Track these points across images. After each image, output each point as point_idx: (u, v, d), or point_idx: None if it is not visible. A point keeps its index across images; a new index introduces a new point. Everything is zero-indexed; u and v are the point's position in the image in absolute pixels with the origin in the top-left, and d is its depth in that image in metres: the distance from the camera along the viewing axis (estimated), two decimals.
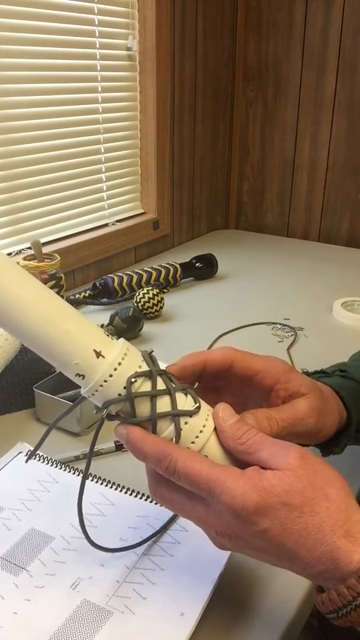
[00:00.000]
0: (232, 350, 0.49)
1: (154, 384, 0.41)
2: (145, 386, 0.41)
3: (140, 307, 1.05)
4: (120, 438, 0.42)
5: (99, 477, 0.61)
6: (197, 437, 0.41)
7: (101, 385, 0.40)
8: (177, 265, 1.23)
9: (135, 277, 1.16)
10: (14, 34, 1.03)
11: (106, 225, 1.35)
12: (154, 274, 1.19)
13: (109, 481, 0.61)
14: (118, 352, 0.40)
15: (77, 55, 1.17)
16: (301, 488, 0.38)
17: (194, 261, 1.29)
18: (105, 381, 0.40)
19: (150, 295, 1.05)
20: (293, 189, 1.69)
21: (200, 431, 0.42)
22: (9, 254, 1.11)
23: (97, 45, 1.21)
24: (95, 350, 0.40)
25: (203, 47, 1.50)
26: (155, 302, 1.05)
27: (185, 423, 0.41)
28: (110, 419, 0.42)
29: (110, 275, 1.16)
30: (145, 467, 0.43)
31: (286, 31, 1.56)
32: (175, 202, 1.54)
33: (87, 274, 1.28)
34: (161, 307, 1.07)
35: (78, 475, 0.62)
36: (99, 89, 1.24)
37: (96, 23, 1.19)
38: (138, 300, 1.06)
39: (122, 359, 0.40)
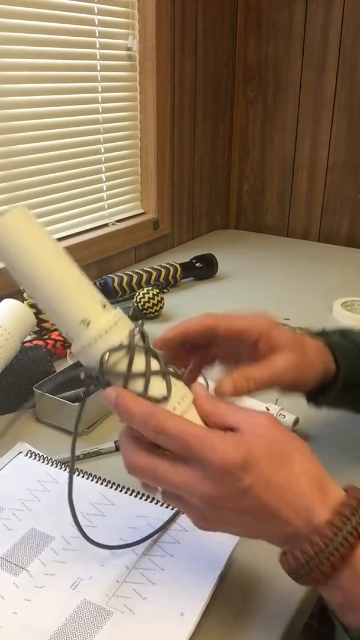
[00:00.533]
0: (211, 318, 0.52)
1: (130, 364, 0.42)
2: (124, 362, 0.42)
3: (140, 307, 1.05)
4: (108, 400, 0.42)
5: (99, 477, 0.61)
6: (181, 399, 0.43)
7: (106, 332, 0.42)
8: (177, 265, 1.23)
9: (135, 277, 1.16)
10: (14, 34, 1.03)
11: (106, 225, 1.35)
12: (154, 274, 1.19)
13: (109, 481, 0.61)
14: (104, 324, 0.42)
15: (77, 55, 1.17)
16: (277, 441, 0.41)
17: (194, 261, 1.29)
18: (110, 328, 0.42)
19: (150, 295, 1.05)
20: (293, 189, 1.69)
21: (183, 396, 0.43)
22: None
23: (97, 45, 1.21)
24: (83, 319, 0.42)
25: (203, 47, 1.50)
26: (155, 302, 1.05)
27: (173, 384, 0.43)
28: (89, 381, 0.43)
29: (110, 275, 1.16)
30: (123, 437, 0.43)
31: (286, 31, 1.56)
32: (175, 202, 1.54)
33: (87, 274, 1.27)
34: (161, 307, 1.07)
35: (78, 475, 0.62)
36: (99, 89, 1.24)
37: (96, 23, 1.19)
38: (138, 300, 1.06)
39: (106, 331, 0.42)
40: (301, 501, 0.39)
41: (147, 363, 0.42)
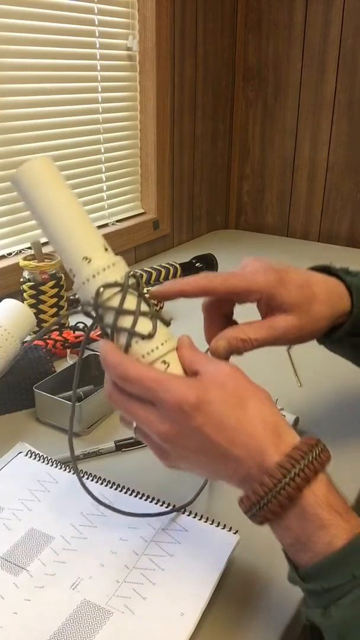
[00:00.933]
0: (207, 280, 0.51)
1: (122, 300, 0.46)
2: (116, 299, 0.46)
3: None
4: (100, 348, 0.46)
5: (99, 477, 0.61)
6: (163, 343, 0.47)
7: (82, 284, 0.46)
8: (177, 265, 1.23)
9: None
10: (14, 34, 1.03)
11: (106, 225, 1.35)
12: (154, 274, 1.19)
13: (109, 481, 0.61)
14: (103, 263, 0.47)
15: (77, 55, 1.17)
16: (235, 386, 0.43)
17: (194, 261, 1.29)
18: (108, 267, 0.46)
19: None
20: (293, 189, 1.69)
21: (166, 340, 0.47)
22: (9, 254, 1.11)
23: (97, 45, 1.21)
24: (85, 256, 0.46)
25: (203, 47, 1.50)
26: (156, 302, 1.05)
27: (136, 342, 0.46)
28: (86, 315, 0.48)
29: None
30: (105, 377, 0.47)
31: (286, 31, 1.56)
32: (175, 202, 1.54)
33: None
34: (161, 307, 1.07)
35: None
36: (99, 89, 1.24)
37: (96, 23, 1.19)
38: None
39: (104, 269, 0.46)
40: (254, 442, 0.41)
41: (138, 304, 0.46)
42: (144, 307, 0.47)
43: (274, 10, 1.56)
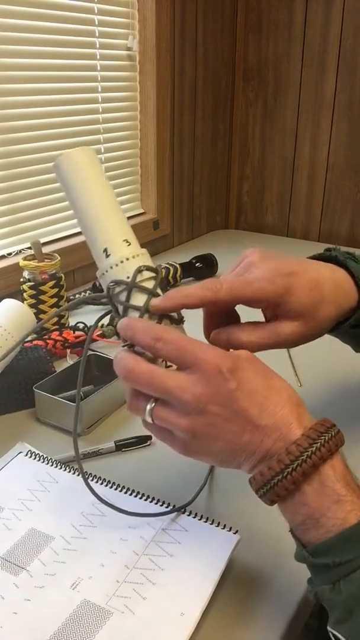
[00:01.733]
0: (213, 292, 0.49)
1: (156, 284, 0.49)
2: (148, 284, 0.49)
3: None
4: (120, 325, 0.47)
5: (99, 477, 0.61)
6: None
7: (117, 264, 0.49)
8: (177, 265, 1.23)
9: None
10: (14, 34, 1.03)
11: None
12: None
13: (109, 481, 0.61)
14: (139, 249, 0.50)
15: (77, 55, 1.17)
16: (261, 364, 0.45)
17: (194, 261, 1.29)
18: (122, 262, 0.49)
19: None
20: (293, 189, 1.69)
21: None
22: (9, 254, 1.11)
23: (97, 45, 1.21)
24: (126, 240, 0.50)
25: (203, 47, 1.50)
26: None
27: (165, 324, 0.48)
28: (109, 298, 0.49)
29: None
30: (122, 353, 0.46)
31: (286, 31, 1.56)
32: (175, 202, 1.54)
33: (87, 274, 1.28)
34: None
35: (78, 475, 0.62)
36: (99, 89, 1.24)
37: (96, 23, 1.19)
38: None
39: (142, 254, 0.50)
40: (281, 412, 0.43)
41: (147, 300, 0.48)
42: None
43: (274, 10, 1.56)
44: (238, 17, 1.61)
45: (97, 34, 1.20)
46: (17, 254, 1.12)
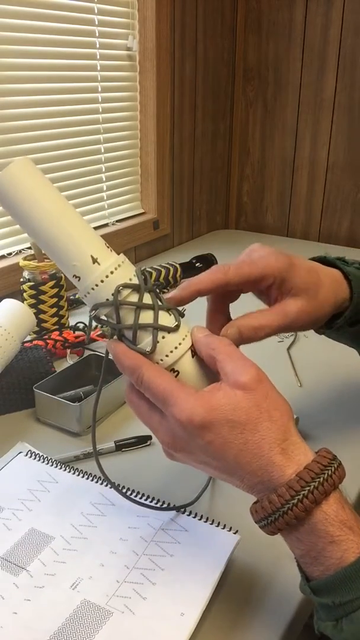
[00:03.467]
0: (222, 273, 0.51)
1: (141, 297, 0.45)
2: (133, 298, 0.45)
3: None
4: (110, 351, 0.47)
5: (99, 477, 0.61)
6: (171, 351, 0.46)
7: (93, 289, 0.45)
8: (177, 265, 1.23)
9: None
10: (14, 34, 1.03)
11: (106, 225, 1.35)
12: (154, 274, 1.19)
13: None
14: (113, 262, 0.45)
15: (77, 55, 1.17)
16: (247, 408, 0.42)
17: (194, 261, 1.29)
18: (96, 285, 0.45)
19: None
20: (293, 189, 1.69)
21: (175, 347, 0.46)
22: (9, 254, 1.11)
23: (97, 45, 1.21)
24: (92, 256, 0.45)
25: (203, 47, 1.50)
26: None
27: (163, 337, 0.45)
28: (97, 322, 0.46)
29: None
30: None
31: (286, 31, 1.56)
32: (175, 202, 1.54)
33: None
34: None
35: (78, 475, 0.62)
36: (99, 89, 1.24)
37: (96, 23, 1.19)
38: None
39: (115, 269, 0.45)
40: (259, 462, 0.41)
41: (154, 299, 0.46)
42: (161, 303, 0.47)
43: (274, 10, 1.56)
44: (238, 17, 1.61)
45: (97, 34, 1.20)
46: (17, 254, 1.12)
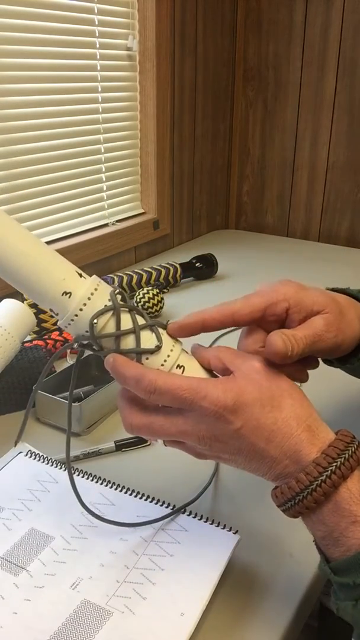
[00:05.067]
0: (229, 309, 0.48)
1: (118, 323, 0.44)
2: (112, 322, 0.44)
3: (140, 307, 1.05)
4: (107, 365, 0.45)
5: (99, 477, 0.61)
6: (172, 348, 0.46)
7: (70, 323, 0.44)
8: (177, 265, 1.23)
9: (135, 277, 1.16)
10: (14, 34, 1.03)
11: (106, 225, 1.35)
12: (154, 274, 1.19)
13: (109, 481, 0.61)
14: (85, 290, 0.44)
15: (77, 55, 1.17)
16: (269, 386, 0.43)
17: (194, 261, 1.29)
18: (72, 320, 0.44)
19: (150, 295, 1.05)
20: (293, 189, 1.69)
21: (174, 344, 0.46)
22: None
23: (97, 45, 1.21)
24: (65, 292, 0.44)
25: (203, 47, 1.50)
26: (155, 302, 1.05)
27: (147, 359, 0.45)
28: (94, 339, 0.45)
29: (110, 275, 1.16)
30: (119, 400, 0.47)
31: (286, 31, 1.56)
32: (175, 202, 1.54)
33: (87, 273, 1.28)
34: (161, 307, 1.07)
35: (78, 475, 0.62)
36: (99, 89, 1.24)
37: (96, 23, 1.19)
38: (138, 300, 1.06)
39: (89, 298, 0.44)
40: (289, 442, 0.42)
41: (134, 319, 0.45)
42: (141, 321, 0.45)
43: (274, 10, 1.56)
44: (238, 17, 1.61)
45: (97, 34, 1.20)
46: None
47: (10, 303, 0.81)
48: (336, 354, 0.52)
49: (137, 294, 1.07)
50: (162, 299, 1.07)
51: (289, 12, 1.54)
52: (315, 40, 1.52)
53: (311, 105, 1.58)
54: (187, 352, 0.48)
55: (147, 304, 1.05)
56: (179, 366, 0.46)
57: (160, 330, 0.46)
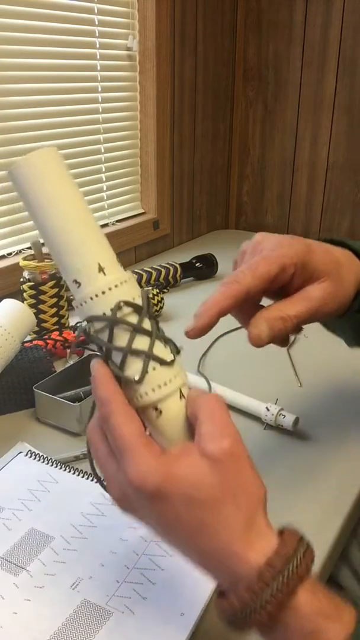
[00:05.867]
0: (237, 283, 0.45)
1: (140, 320, 0.41)
2: (132, 319, 0.41)
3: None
4: (92, 371, 0.41)
5: (99, 477, 0.61)
6: (159, 386, 0.40)
7: (91, 298, 0.40)
8: (177, 265, 1.23)
9: (135, 277, 1.16)
10: (14, 34, 1.03)
11: (106, 225, 1.35)
12: (154, 274, 1.19)
13: None
14: (119, 276, 0.41)
15: (77, 55, 1.17)
16: (212, 484, 0.36)
17: (194, 261, 1.29)
18: (96, 295, 0.40)
19: (150, 296, 1.05)
20: (293, 189, 1.69)
21: (165, 383, 0.41)
22: (9, 254, 1.11)
23: (97, 45, 1.21)
24: (99, 264, 0.40)
25: (203, 47, 1.50)
26: (155, 302, 1.05)
27: (154, 369, 0.40)
28: (86, 336, 0.41)
29: None
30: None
31: (286, 31, 1.56)
32: (175, 202, 1.54)
33: None
34: (161, 307, 1.07)
35: (78, 475, 0.62)
36: (99, 89, 1.24)
37: (96, 23, 1.19)
38: None
39: (121, 283, 0.41)
40: (216, 546, 0.36)
41: (130, 340, 0.40)
42: (140, 344, 0.41)
43: (274, 10, 1.56)
44: (238, 17, 1.61)
45: (97, 34, 1.20)
46: (17, 254, 1.12)
47: (10, 303, 0.81)
48: (330, 318, 0.51)
49: None
50: (162, 299, 1.07)
51: (289, 12, 1.54)
52: (315, 40, 1.52)
53: (311, 105, 1.58)
54: (182, 394, 0.42)
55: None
56: (156, 409, 0.41)
57: (154, 364, 0.40)
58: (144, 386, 0.40)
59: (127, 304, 0.40)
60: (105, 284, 0.40)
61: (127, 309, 0.40)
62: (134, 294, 0.41)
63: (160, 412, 0.41)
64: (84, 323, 0.41)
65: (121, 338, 0.40)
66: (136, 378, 0.40)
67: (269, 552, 0.35)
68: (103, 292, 0.40)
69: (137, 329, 0.40)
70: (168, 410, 0.41)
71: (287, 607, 0.35)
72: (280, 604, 0.34)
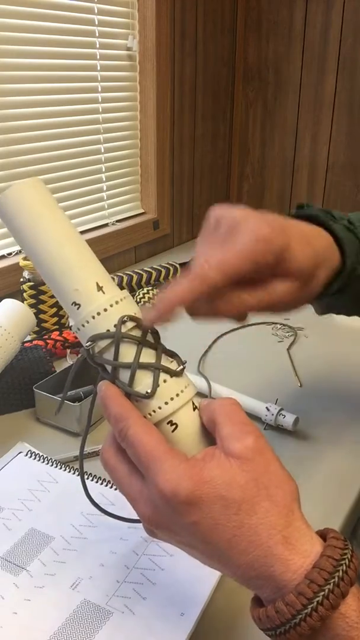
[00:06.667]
0: (201, 279, 0.42)
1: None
2: (136, 334, 0.40)
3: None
4: (99, 393, 0.40)
5: (99, 477, 0.61)
6: (172, 399, 0.40)
7: (93, 317, 0.40)
8: (177, 265, 1.23)
9: (135, 277, 1.16)
10: (14, 34, 1.03)
11: (106, 225, 1.35)
12: (154, 274, 1.19)
13: (109, 481, 0.61)
14: (118, 293, 0.41)
15: (77, 55, 1.17)
16: (243, 483, 0.35)
17: None
18: (98, 314, 0.40)
19: (150, 295, 1.05)
20: (293, 189, 1.69)
21: (177, 394, 0.40)
22: (9, 254, 1.11)
23: (97, 45, 1.21)
24: (97, 283, 0.41)
25: (203, 47, 1.50)
26: None
27: (164, 381, 0.40)
28: (91, 359, 0.41)
29: (110, 275, 1.15)
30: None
31: (286, 31, 1.56)
32: (175, 202, 1.54)
33: None
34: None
35: (78, 475, 0.62)
36: (99, 89, 1.24)
37: (96, 23, 1.19)
38: (138, 300, 1.06)
39: (121, 300, 0.41)
40: (258, 551, 0.34)
41: (137, 354, 0.40)
42: (146, 357, 0.40)
43: (274, 10, 1.56)
44: (238, 17, 1.61)
45: (97, 34, 1.20)
46: (17, 254, 1.12)
47: (10, 303, 0.81)
48: (288, 312, 0.50)
49: (137, 294, 1.07)
50: None
51: (289, 12, 1.54)
52: (315, 40, 1.52)
53: (311, 105, 1.58)
54: (194, 405, 0.41)
55: (147, 304, 1.05)
56: (170, 422, 0.40)
57: (164, 376, 0.40)
58: (156, 400, 0.39)
59: (131, 318, 0.40)
60: (107, 301, 0.40)
61: (130, 324, 0.40)
62: (134, 309, 0.42)
63: (176, 425, 0.40)
64: (87, 344, 0.40)
65: (127, 353, 0.40)
66: (147, 392, 0.39)
67: (313, 555, 0.34)
68: (105, 310, 0.40)
69: (143, 343, 0.40)
70: (183, 423, 0.40)
71: (337, 614, 0.33)
72: (329, 610, 0.33)
